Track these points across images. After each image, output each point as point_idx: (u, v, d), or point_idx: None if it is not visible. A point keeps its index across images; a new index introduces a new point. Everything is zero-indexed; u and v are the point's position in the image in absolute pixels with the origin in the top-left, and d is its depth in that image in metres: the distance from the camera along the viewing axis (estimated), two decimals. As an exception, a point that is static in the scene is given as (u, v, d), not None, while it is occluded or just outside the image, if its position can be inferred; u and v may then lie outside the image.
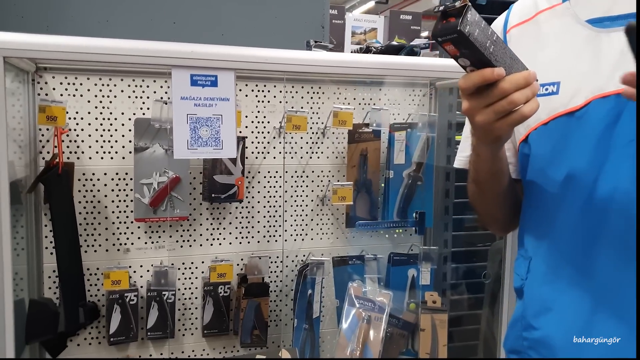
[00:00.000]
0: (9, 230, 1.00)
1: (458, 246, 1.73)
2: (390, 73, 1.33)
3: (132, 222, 1.39)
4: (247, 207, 1.49)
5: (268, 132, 1.49)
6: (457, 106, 1.65)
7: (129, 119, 1.36)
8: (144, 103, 1.37)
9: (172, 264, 1.41)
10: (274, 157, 1.51)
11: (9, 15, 1.70)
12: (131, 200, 1.37)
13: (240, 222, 1.49)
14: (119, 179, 1.37)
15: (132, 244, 1.40)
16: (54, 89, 1.30)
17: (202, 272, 1.46)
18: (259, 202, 1.50)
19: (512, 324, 0.90)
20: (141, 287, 1.41)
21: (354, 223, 1.54)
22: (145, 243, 1.41)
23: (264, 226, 1.51)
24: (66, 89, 1.31)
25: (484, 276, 1.70)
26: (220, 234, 1.48)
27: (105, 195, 1.37)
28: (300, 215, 1.55)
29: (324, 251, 1.57)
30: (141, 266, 1.41)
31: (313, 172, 1.55)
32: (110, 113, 1.35)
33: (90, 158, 1.35)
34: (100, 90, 1.34)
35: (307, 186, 1.54)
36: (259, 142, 1.49)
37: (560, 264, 0.81)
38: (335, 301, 1.56)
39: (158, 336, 1.40)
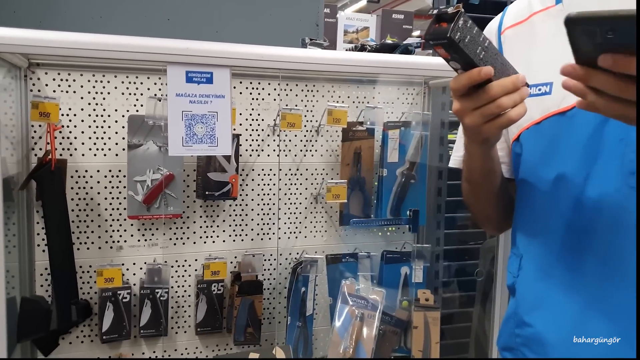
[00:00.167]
0: (1, 227, 0.99)
1: (450, 244, 1.74)
2: (385, 71, 1.33)
3: (125, 220, 1.38)
4: (240, 205, 1.49)
5: (262, 130, 1.49)
6: (450, 105, 1.66)
7: (123, 116, 1.36)
8: (137, 100, 1.37)
9: (166, 262, 1.41)
10: (268, 155, 1.50)
11: (1, 10, 1.68)
12: (124, 198, 1.37)
13: (234, 220, 1.49)
14: (112, 176, 1.36)
15: (125, 241, 1.39)
16: (46, 85, 1.29)
17: (196, 270, 1.46)
18: (252, 199, 1.50)
19: (505, 321, 0.91)
20: (134, 284, 1.40)
21: (348, 221, 1.55)
22: (139, 241, 1.40)
23: (258, 224, 1.51)
24: (59, 85, 1.30)
25: (476, 274, 1.72)
26: (213, 231, 1.47)
27: (98, 193, 1.36)
28: (294, 213, 1.55)
29: (318, 249, 1.57)
30: (134, 264, 1.40)
31: (307, 170, 1.55)
32: (104, 110, 1.34)
33: (83, 155, 1.34)
34: (94, 87, 1.33)
35: (301, 184, 1.55)
36: (253, 140, 1.49)
37: (551, 261, 0.81)
38: (329, 299, 1.56)
39: (151, 334, 1.39)
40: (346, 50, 1.80)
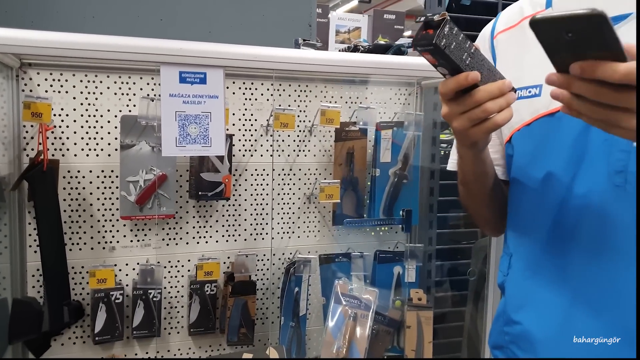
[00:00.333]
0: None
1: (443, 244, 1.75)
2: (378, 72, 1.34)
3: (117, 220, 1.38)
4: (234, 205, 1.49)
5: (255, 130, 1.49)
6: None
7: (115, 116, 1.35)
8: (130, 100, 1.36)
9: (158, 262, 1.40)
10: (261, 155, 1.51)
11: (-8, 9, 1.67)
12: (117, 198, 1.36)
13: (227, 220, 1.49)
14: (105, 177, 1.36)
15: (118, 242, 1.39)
16: (38, 85, 1.28)
17: (189, 271, 1.46)
18: (246, 200, 1.50)
19: (495, 319, 0.92)
20: (127, 285, 1.39)
21: (341, 221, 1.55)
22: (131, 241, 1.40)
23: (251, 224, 1.51)
24: (51, 85, 1.29)
25: (468, 273, 1.73)
26: (207, 232, 1.47)
27: (91, 193, 1.35)
28: (287, 213, 1.55)
29: (311, 249, 1.58)
30: (127, 264, 1.40)
31: (300, 170, 1.55)
32: (96, 110, 1.34)
33: (75, 155, 1.33)
34: (86, 87, 1.32)
35: (294, 184, 1.55)
36: (246, 140, 1.49)
37: (538, 260, 0.83)
38: (322, 299, 1.57)
39: (144, 335, 1.39)
40: (338, 50, 1.80)
